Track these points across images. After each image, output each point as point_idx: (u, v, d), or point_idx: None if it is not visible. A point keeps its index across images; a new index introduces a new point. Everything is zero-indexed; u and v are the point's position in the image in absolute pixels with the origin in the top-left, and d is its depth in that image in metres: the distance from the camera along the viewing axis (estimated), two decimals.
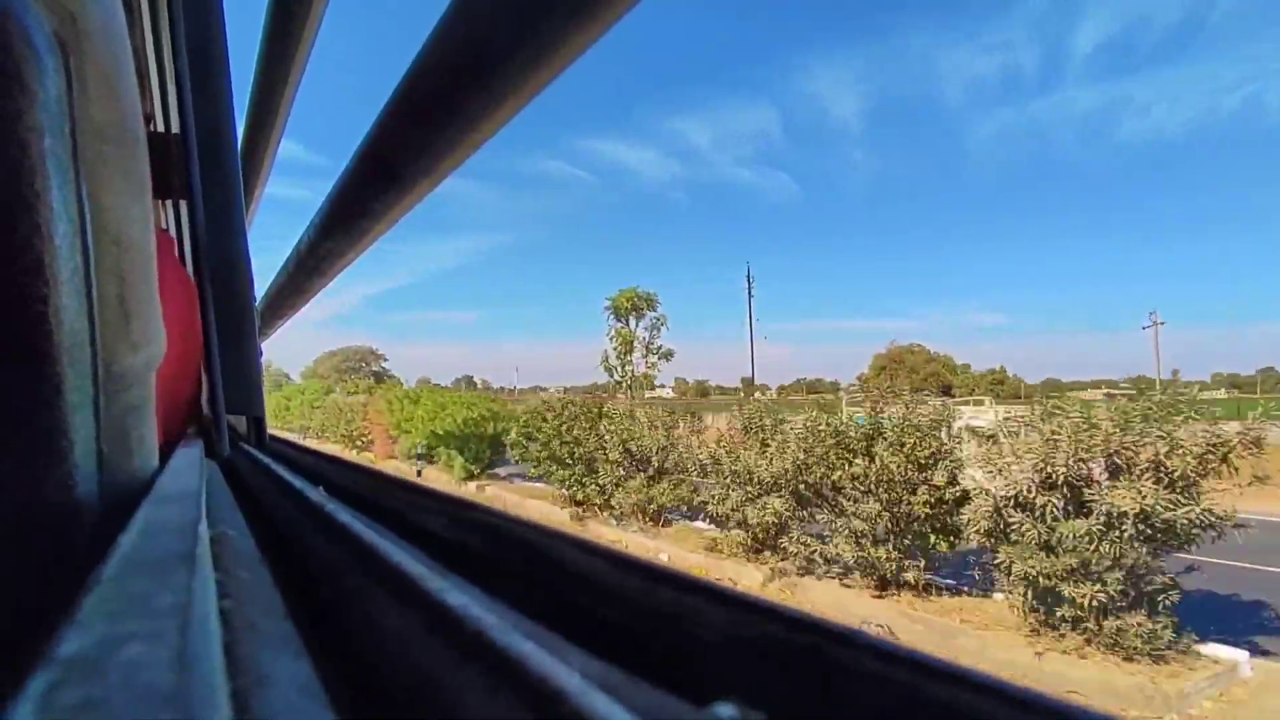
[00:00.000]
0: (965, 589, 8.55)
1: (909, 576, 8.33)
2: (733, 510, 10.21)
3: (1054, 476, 6.74)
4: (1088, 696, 5.95)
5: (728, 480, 10.42)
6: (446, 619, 0.23)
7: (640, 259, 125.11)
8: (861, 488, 8.71)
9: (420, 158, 0.65)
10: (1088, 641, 6.63)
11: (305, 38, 1.19)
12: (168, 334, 0.53)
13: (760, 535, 10.17)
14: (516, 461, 18.20)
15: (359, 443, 27.38)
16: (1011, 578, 7.00)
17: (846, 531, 8.74)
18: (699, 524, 12.54)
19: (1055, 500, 6.69)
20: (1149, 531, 6.30)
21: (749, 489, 10.03)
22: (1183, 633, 6.49)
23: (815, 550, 9.18)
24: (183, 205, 1.25)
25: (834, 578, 9.16)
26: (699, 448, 12.38)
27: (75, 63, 0.36)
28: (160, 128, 1.56)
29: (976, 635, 7.33)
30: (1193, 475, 6.27)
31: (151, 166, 0.52)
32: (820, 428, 9.27)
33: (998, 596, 7.85)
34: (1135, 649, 6.32)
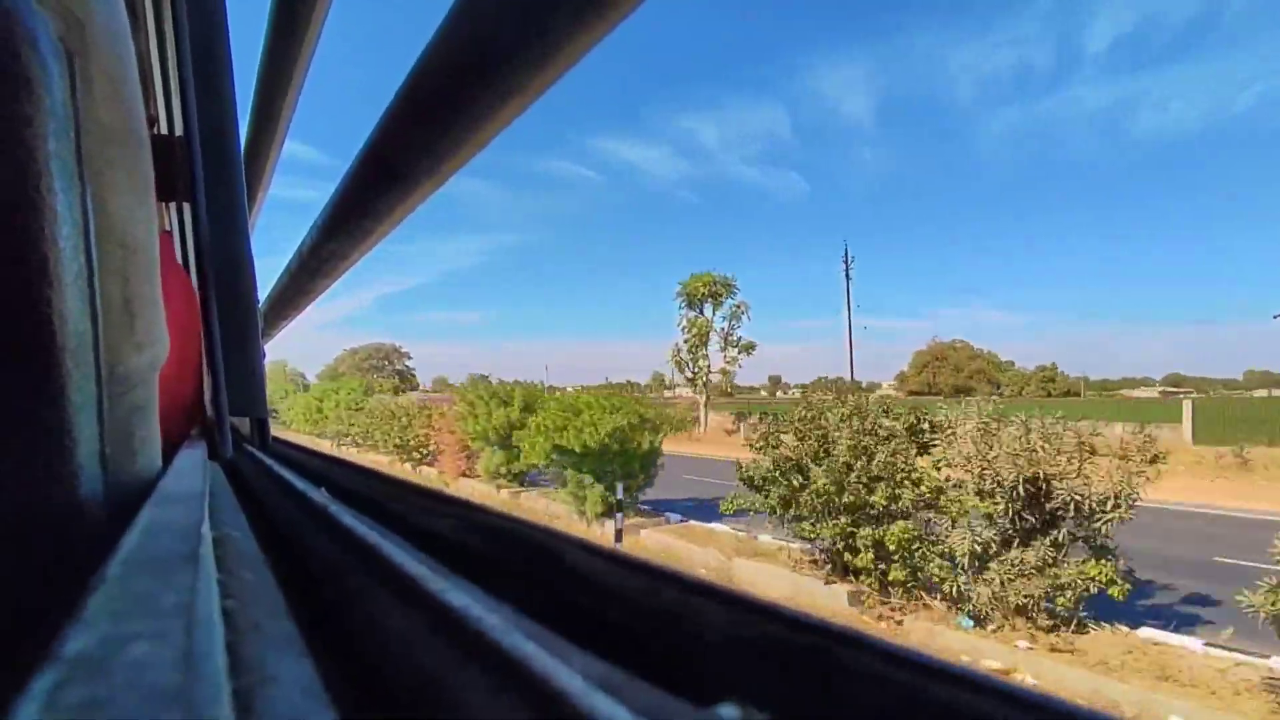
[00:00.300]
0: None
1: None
2: None
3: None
4: None
5: None
6: (449, 620, 0.23)
7: (644, 259, 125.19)
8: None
9: (424, 158, 0.65)
10: None
11: (309, 38, 1.19)
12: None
13: None
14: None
15: (415, 455, 21.49)
16: None
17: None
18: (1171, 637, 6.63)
19: None
20: None
21: None
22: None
23: None
24: (186, 206, 1.26)
25: None
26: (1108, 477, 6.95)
27: (80, 66, 0.36)
28: (164, 130, 1.57)
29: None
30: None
31: (155, 169, 0.53)
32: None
33: None
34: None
